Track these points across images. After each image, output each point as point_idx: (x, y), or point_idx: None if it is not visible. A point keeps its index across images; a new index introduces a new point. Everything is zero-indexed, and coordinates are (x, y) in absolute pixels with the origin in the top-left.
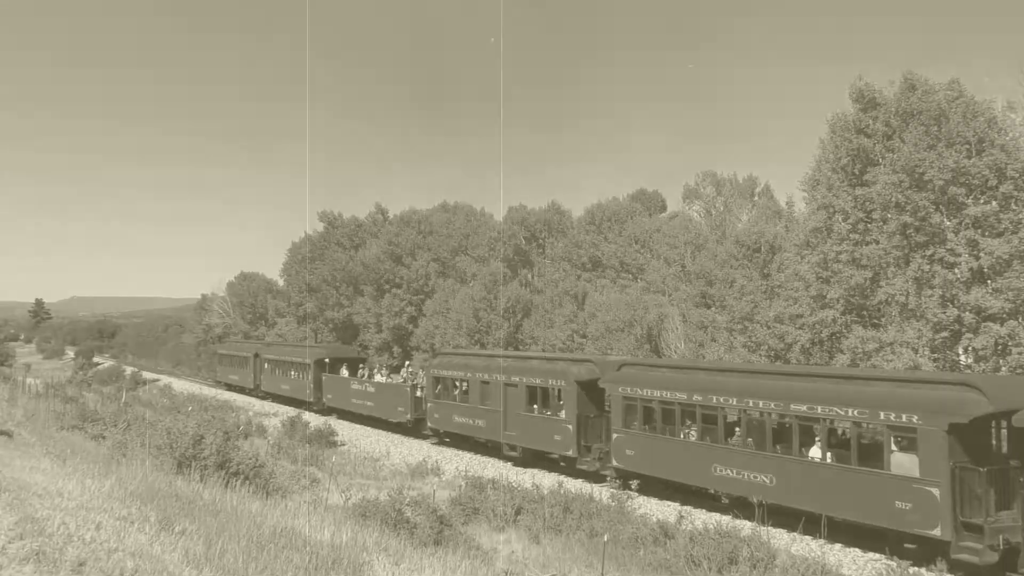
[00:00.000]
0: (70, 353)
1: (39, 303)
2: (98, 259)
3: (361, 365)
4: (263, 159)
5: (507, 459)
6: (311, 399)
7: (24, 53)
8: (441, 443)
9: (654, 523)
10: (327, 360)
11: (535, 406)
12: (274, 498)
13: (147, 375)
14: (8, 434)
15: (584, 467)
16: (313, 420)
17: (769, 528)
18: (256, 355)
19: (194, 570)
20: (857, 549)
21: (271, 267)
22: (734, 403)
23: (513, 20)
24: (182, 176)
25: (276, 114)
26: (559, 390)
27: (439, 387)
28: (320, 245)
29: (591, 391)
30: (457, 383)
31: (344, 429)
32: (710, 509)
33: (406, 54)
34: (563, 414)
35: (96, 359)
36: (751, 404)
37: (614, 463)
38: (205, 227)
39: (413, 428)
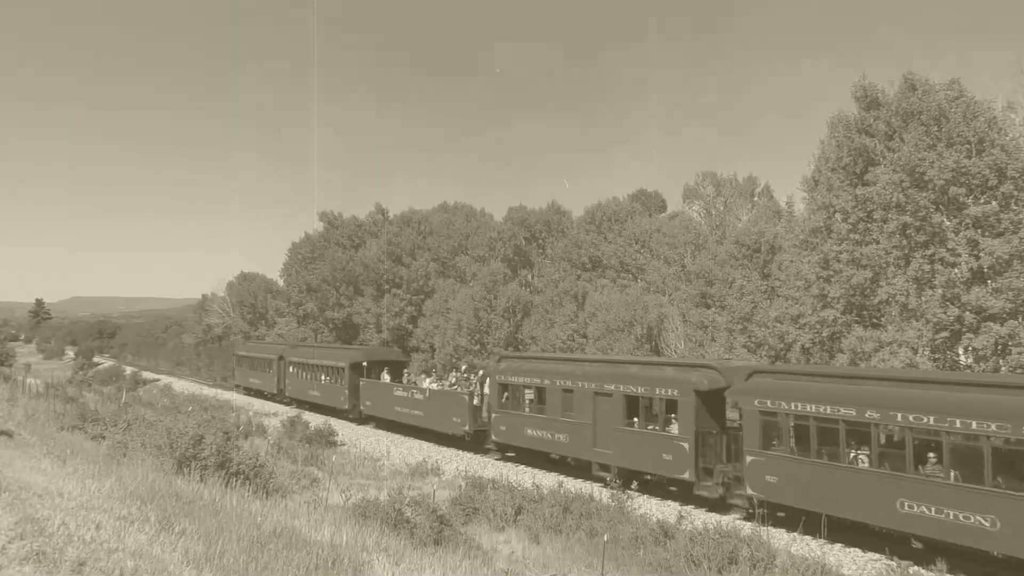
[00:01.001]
0: (70, 353)
1: (39, 303)
2: (98, 259)
3: (405, 370)
4: (264, 159)
5: (596, 479)
6: (346, 406)
7: (23, 53)
8: (505, 458)
9: (654, 523)
10: (365, 363)
11: (636, 420)
12: (274, 498)
13: (147, 375)
14: (8, 434)
15: (704, 493)
16: (313, 420)
17: (769, 528)
18: (281, 358)
19: (194, 570)
20: (857, 549)
21: (271, 267)
22: (930, 422)
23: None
24: (182, 176)
25: (277, 113)
26: (671, 401)
27: (506, 396)
28: (320, 245)
29: (711, 403)
30: (530, 391)
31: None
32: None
33: (419, 37)
34: (676, 429)
35: (96, 359)
36: (958, 424)
37: (749, 491)
38: (205, 227)
39: (472, 441)
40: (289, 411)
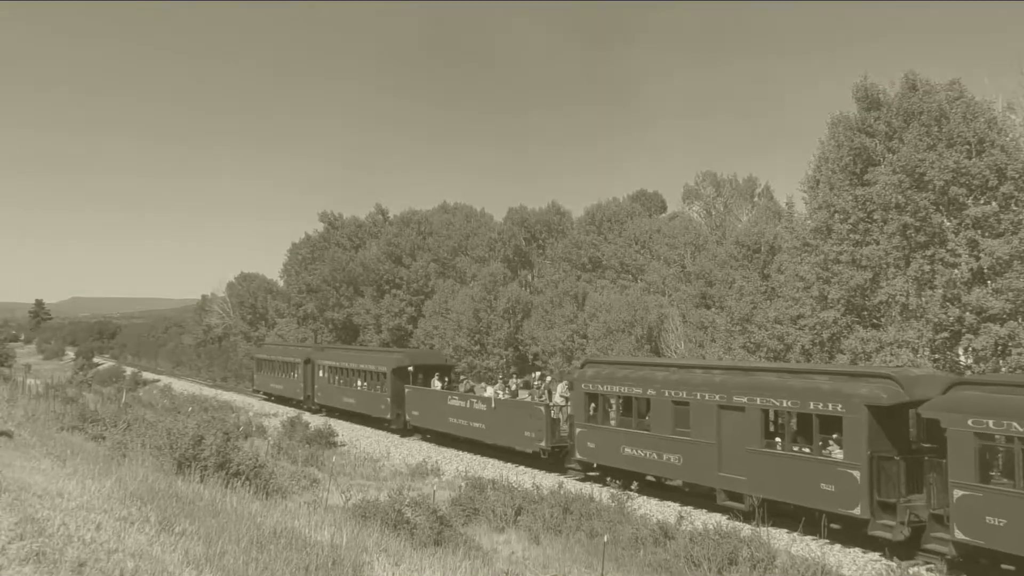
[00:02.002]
0: (70, 354)
1: (39, 303)
2: (98, 260)
3: (462, 376)
4: (263, 158)
5: (722, 509)
6: (388, 416)
7: (23, 51)
8: (588, 478)
9: (654, 524)
10: (410, 368)
11: (779, 440)
12: (274, 498)
13: (147, 376)
14: (8, 434)
15: (882, 534)
16: (313, 420)
17: (769, 528)
18: (308, 361)
19: (194, 570)
20: (858, 549)
21: (271, 267)
22: None
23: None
24: (182, 175)
25: (278, 113)
26: (833, 418)
27: (594, 407)
28: (320, 245)
29: (889, 421)
30: (627, 403)
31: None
32: (711, 509)
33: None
34: (841, 453)
35: (96, 360)
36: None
37: (958, 535)
38: (205, 227)
39: (549, 459)
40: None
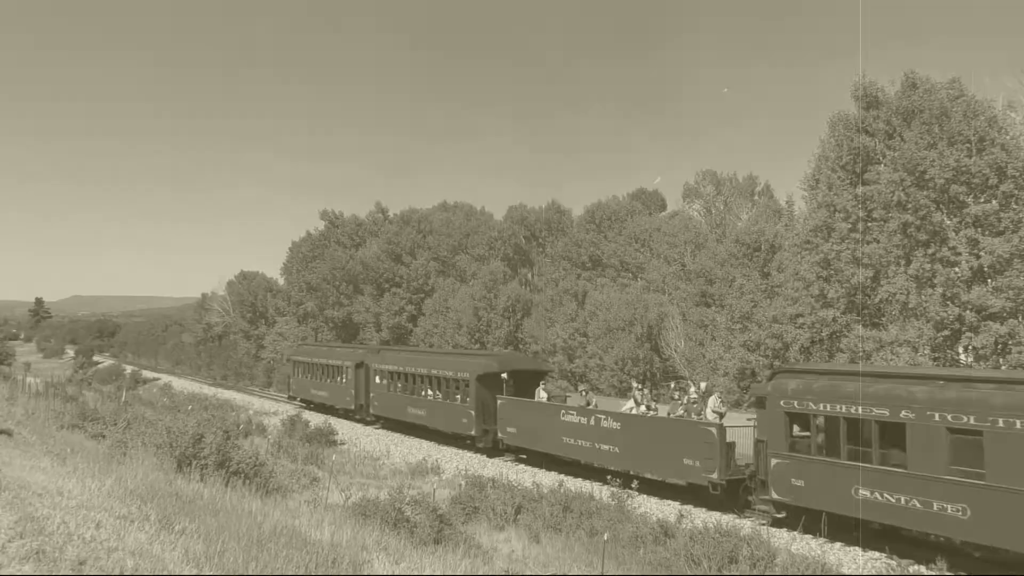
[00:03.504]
0: (70, 352)
1: (39, 302)
2: (98, 258)
3: (581, 388)
4: (264, 159)
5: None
6: (472, 431)
7: (23, 53)
8: (780, 522)
9: (654, 522)
10: (505, 375)
11: None
12: (274, 497)
13: (147, 374)
14: (8, 433)
15: None
16: (313, 419)
17: (769, 528)
18: (361, 364)
19: (194, 569)
20: (858, 548)
21: (272, 266)
22: None
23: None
24: (182, 175)
25: (278, 113)
26: None
27: (800, 431)
28: (320, 244)
29: None
30: (863, 428)
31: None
32: (710, 508)
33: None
34: None
35: (96, 358)
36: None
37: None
38: (205, 226)
39: (723, 495)
40: (285, 409)
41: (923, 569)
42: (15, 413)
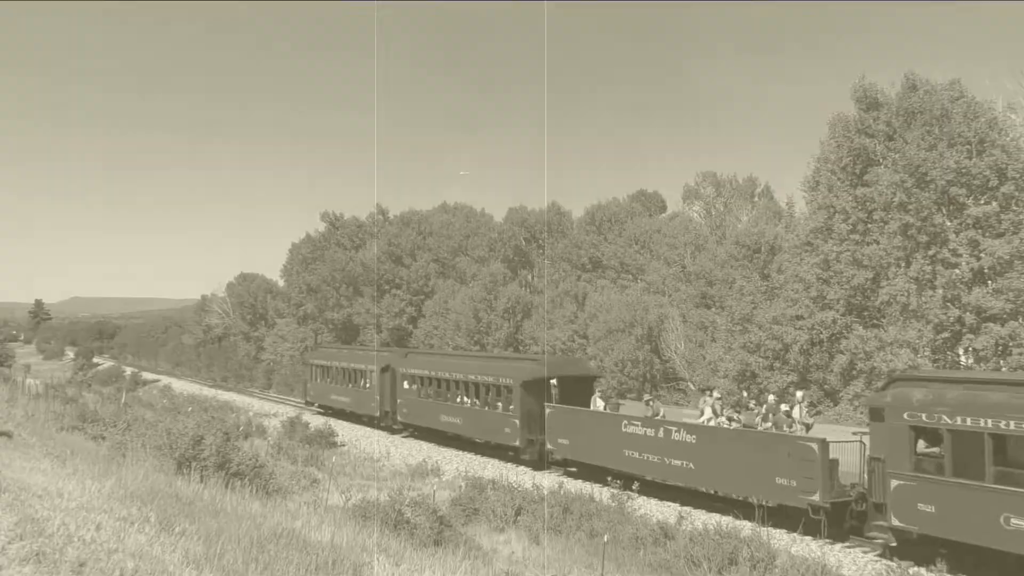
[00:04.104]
0: (70, 354)
1: (39, 303)
2: (98, 259)
3: (647, 398)
4: (264, 158)
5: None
6: (517, 443)
7: (24, 55)
8: (899, 553)
9: (654, 524)
10: (554, 381)
11: None
12: (274, 499)
13: (147, 376)
14: (8, 435)
15: None
16: (313, 420)
17: (769, 528)
18: (387, 368)
19: (194, 570)
20: (858, 549)
21: (272, 267)
22: None
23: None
24: (182, 175)
25: (278, 112)
26: None
27: (928, 449)
28: (321, 245)
29: None
30: (1012, 445)
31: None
32: (709, 510)
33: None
34: None
35: (96, 360)
36: None
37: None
38: (205, 227)
39: (825, 519)
40: (285, 410)
41: (923, 569)
42: (15, 415)
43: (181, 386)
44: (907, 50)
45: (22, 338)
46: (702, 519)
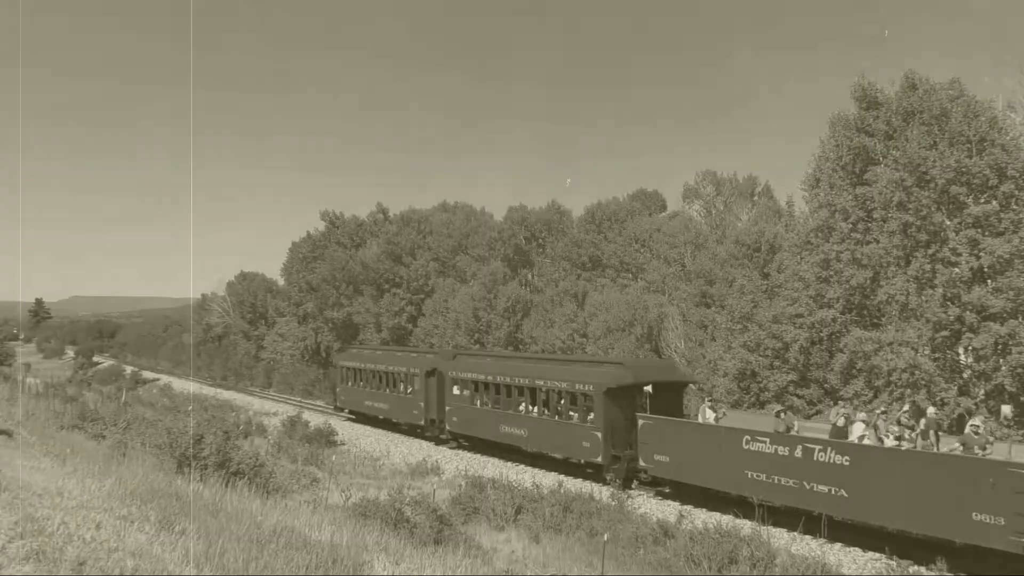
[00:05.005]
0: (70, 353)
1: (39, 302)
2: (98, 258)
3: (780, 410)
4: (263, 159)
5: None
6: (598, 459)
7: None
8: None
9: (654, 523)
10: (648, 388)
11: None
12: (274, 498)
13: (147, 375)
14: (8, 433)
15: None
16: (313, 419)
17: (769, 528)
18: (433, 372)
19: (194, 570)
20: (858, 549)
21: (272, 267)
22: None
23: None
24: (182, 175)
25: (278, 113)
26: None
27: None
28: (321, 244)
29: None
30: None
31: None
32: (710, 508)
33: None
34: None
35: (96, 359)
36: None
37: None
38: (205, 226)
39: None
40: (285, 409)
41: (923, 569)
42: (15, 414)
43: (181, 385)
44: (906, 50)
45: (22, 337)
46: (702, 518)
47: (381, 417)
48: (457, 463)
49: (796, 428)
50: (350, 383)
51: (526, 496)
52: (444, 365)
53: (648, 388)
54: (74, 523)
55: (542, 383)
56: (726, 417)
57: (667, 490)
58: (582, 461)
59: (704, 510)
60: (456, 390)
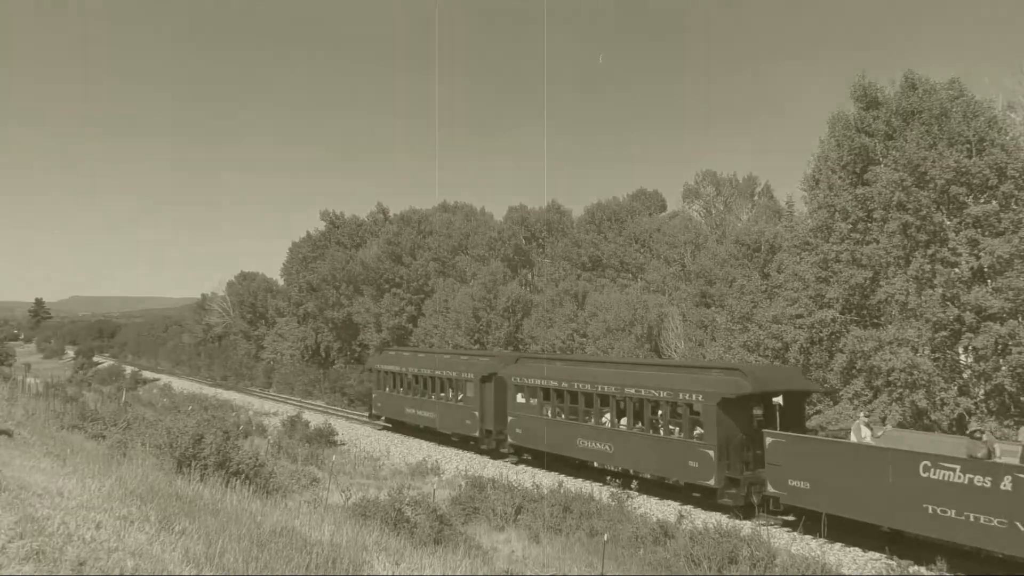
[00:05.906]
0: (70, 352)
1: (39, 303)
2: (98, 259)
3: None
4: (264, 158)
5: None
6: (711, 482)
7: (25, 61)
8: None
9: (654, 522)
10: (779, 400)
11: None
12: (274, 497)
13: (147, 375)
14: (8, 433)
15: None
16: (313, 419)
17: (769, 528)
18: (490, 377)
19: (194, 569)
20: (858, 549)
21: (272, 267)
22: None
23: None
24: (182, 175)
25: (278, 113)
26: None
27: None
28: (321, 244)
29: None
30: None
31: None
32: (708, 508)
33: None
34: None
35: (96, 359)
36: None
37: None
38: (205, 226)
39: None
40: (285, 409)
41: (923, 569)
42: (15, 414)
43: (181, 385)
44: (907, 48)
45: (22, 337)
46: (702, 518)
47: (432, 428)
48: (457, 463)
49: (999, 453)
50: (388, 388)
51: (526, 496)
52: (504, 369)
53: (778, 400)
54: (74, 523)
55: (633, 391)
56: (885, 436)
57: (791, 517)
58: (683, 483)
59: (703, 510)
60: (520, 398)
